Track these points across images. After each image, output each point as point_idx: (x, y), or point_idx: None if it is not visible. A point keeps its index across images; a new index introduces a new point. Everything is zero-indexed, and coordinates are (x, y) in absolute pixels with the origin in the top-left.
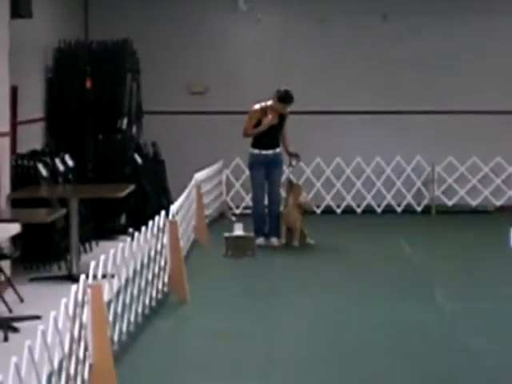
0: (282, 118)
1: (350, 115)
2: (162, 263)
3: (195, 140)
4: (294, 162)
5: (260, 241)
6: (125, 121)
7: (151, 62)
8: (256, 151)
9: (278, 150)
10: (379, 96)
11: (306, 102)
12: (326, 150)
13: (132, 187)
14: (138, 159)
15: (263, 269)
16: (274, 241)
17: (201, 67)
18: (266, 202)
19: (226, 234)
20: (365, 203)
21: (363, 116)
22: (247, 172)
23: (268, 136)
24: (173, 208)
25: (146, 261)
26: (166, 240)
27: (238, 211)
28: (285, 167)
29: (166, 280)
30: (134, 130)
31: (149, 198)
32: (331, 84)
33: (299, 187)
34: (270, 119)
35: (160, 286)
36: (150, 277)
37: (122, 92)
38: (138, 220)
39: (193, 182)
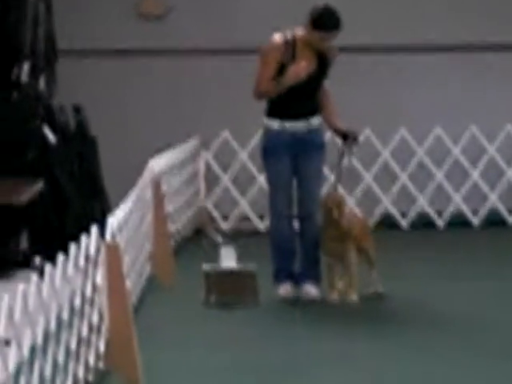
0: (322, 61)
1: (419, 55)
2: (95, 320)
3: (150, 100)
4: (347, 147)
5: (285, 289)
6: (25, 68)
7: None
8: (276, 124)
9: (315, 120)
10: (478, 18)
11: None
12: (381, 116)
13: (40, 186)
14: (50, 136)
15: (272, 331)
16: (312, 289)
17: None
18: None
19: (207, 267)
20: (450, 209)
21: (447, 55)
22: (243, 155)
23: (298, 96)
24: (112, 222)
25: (66, 316)
26: (100, 278)
27: (227, 225)
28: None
29: (101, 350)
30: (43, 83)
31: (69, 203)
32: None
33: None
34: (303, 66)
35: (91, 361)
36: (73, 345)
37: (21, 19)
38: (51, 243)
39: (147, 174)
